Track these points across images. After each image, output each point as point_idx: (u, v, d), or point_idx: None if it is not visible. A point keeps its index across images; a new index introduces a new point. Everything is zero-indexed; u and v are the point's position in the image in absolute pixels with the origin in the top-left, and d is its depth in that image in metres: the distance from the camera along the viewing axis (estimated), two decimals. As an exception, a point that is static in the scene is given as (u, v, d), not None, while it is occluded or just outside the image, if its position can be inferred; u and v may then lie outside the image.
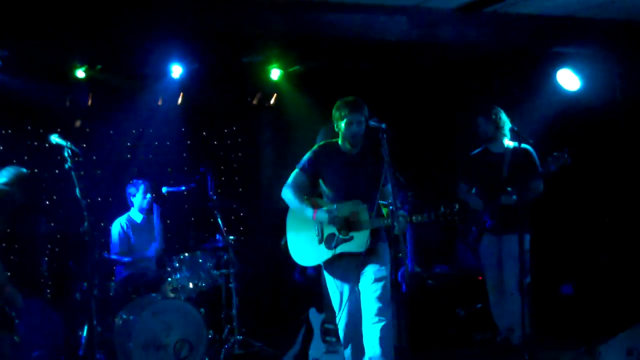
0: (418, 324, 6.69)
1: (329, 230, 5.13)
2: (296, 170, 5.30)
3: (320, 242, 5.18)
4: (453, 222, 4.99)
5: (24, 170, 5.35)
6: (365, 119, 5.06)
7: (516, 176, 6.16)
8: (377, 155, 5.00)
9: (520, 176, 6.12)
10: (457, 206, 4.92)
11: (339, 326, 5.27)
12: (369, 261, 5.10)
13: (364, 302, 5.10)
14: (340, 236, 5.08)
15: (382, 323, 4.99)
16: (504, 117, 6.43)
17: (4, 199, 4.87)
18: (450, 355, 6.69)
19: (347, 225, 5.07)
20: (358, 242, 5.05)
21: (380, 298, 5.03)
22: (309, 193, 5.31)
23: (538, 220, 6.44)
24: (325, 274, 5.29)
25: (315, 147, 5.34)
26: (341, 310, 5.20)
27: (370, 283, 5.07)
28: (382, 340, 4.98)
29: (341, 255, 5.12)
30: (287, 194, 5.26)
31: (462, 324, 7.30)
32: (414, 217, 5.06)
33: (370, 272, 5.09)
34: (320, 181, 5.28)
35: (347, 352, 5.25)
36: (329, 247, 5.14)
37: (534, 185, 6.25)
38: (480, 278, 7.09)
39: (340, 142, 5.23)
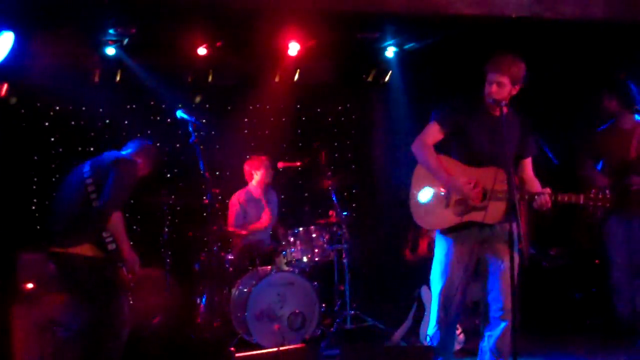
0: (531, 306, 6.59)
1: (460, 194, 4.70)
2: (433, 124, 4.81)
3: (446, 205, 4.75)
4: (604, 209, 4.66)
5: (149, 142, 5.55)
6: (514, 81, 4.64)
7: None
8: (523, 124, 4.68)
9: None
10: (609, 192, 4.53)
11: (433, 303, 4.92)
12: (498, 241, 4.74)
13: (488, 289, 4.82)
14: (473, 203, 4.67)
15: (505, 323, 4.74)
16: (633, 91, 6.15)
17: (131, 169, 5.10)
18: (563, 339, 6.57)
19: (483, 193, 4.65)
20: (492, 212, 4.63)
21: (506, 293, 4.67)
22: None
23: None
24: (439, 238, 4.92)
25: (455, 98, 4.86)
26: (444, 285, 4.83)
27: (499, 272, 4.75)
28: (502, 339, 4.77)
29: (468, 224, 4.72)
30: (420, 150, 4.79)
31: (576, 308, 7.14)
32: (559, 197, 4.56)
33: (501, 259, 4.74)
34: (455, 139, 4.82)
35: (436, 334, 4.88)
36: (456, 212, 4.73)
37: None
38: (597, 262, 6.91)
39: (484, 99, 4.75)
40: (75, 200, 4.98)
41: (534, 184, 4.84)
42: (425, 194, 4.88)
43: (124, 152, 5.33)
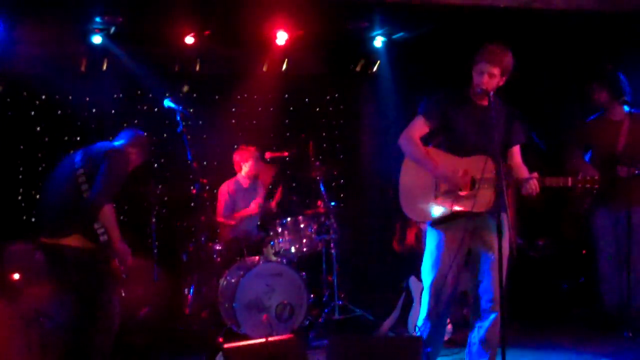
0: (519, 296, 6.61)
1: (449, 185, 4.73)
2: (418, 117, 4.85)
3: (436, 197, 4.78)
4: (592, 190, 4.66)
5: (141, 132, 5.48)
6: (503, 72, 4.69)
7: (634, 146, 5.93)
8: (509, 112, 4.68)
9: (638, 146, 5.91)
10: (596, 174, 4.58)
11: (424, 294, 4.92)
12: (488, 232, 4.73)
13: (478, 279, 4.83)
14: (461, 193, 4.69)
15: (495, 314, 4.76)
16: (623, 82, 6.16)
17: (123, 160, 5.05)
18: (550, 329, 6.60)
19: (471, 182, 4.67)
20: (480, 201, 4.62)
21: (496, 284, 4.66)
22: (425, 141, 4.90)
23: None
24: (429, 230, 4.93)
25: (439, 91, 4.89)
26: (436, 277, 4.83)
27: (489, 263, 4.75)
28: (492, 330, 4.80)
29: (457, 215, 4.73)
30: (406, 143, 4.84)
31: (563, 298, 7.17)
32: (547, 181, 4.59)
33: (491, 249, 4.72)
34: (442, 131, 4.83)
35: (426, 326, 4.92)
36: (445, 203, 4.74)
37: None
38: (584, 252, 6.93)
39: (470, 89, 4.80)
40: (66, 191, 4.92)
41: (522, 171, 4.86)
42: (414, 186, 4.89)
43: (116, 143, 5.28)
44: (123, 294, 5.90)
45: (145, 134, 5.49)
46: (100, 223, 4.84)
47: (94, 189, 4.84)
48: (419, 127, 4.86)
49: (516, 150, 4.93)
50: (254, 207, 7.19)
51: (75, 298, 4.94)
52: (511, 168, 4.82)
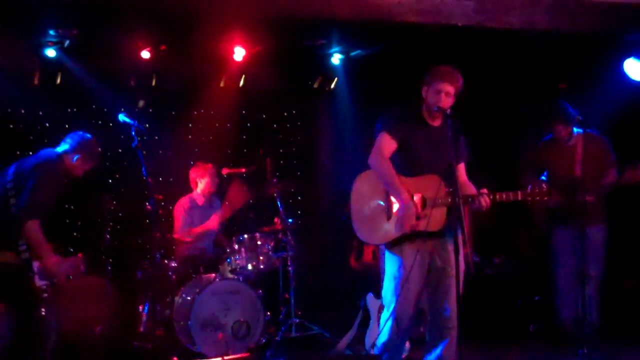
0: (474, 313, 6.62)
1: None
2: (383, 134, 4.79)
3: (388, 218, 4.76)
4: (542, 202, 4.69)
5: (88, 136, 5.28)
6: (457, 93, 4.73)
7: (590, 168, 6.01)
8: (454, 130, 4.66)
9: (595, 167, 5.99)
10: (545, 186, 4.60)
11: (385, 317, 4.86)
12: (445, 250, 4.74)
13: (436, 298, 4.83)
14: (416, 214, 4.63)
15: (452, 332, 4.76)
16: (568, 108, 6.24)
17: (51, 174, 4.90)
18: (505, 346, 6.63)
19: (422, 202, 4.68)
20: (434, 220, 4.63)
21: (454, 301, 4.64)
22: None
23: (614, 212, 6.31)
24: (388, 255, 4.88)
25: (397, 108, 4.88)
26: (399, 300, 4.79)
27: (446, 281, 4.73)
28: (448, 348, 4.79)
29: (413, 236, 4.70)
30: (379, 164, 4.76)
31: (519, 315, 7.21)
32: (497, 196, 4.60)
33: (449, 267, 4.69)
34: (397, 149, 4.80)
35: (386, 346, 4.87)
36: (399, 224, 4.69)
37: (609, 174, 6.09)
38: (542, 269, 6.98)
39: (423, 109, 4.84)
40: None
41: (469, 188, 4.87)
42: (366, 209, 4.87)
43: (59, 149, 5.13)
44: (43, 313, 5.73)
45: (92, 137, 5.30)
46: (24, 239, 4.70)
47: (19, 204, 4.73)
48: (387, 144, 4.80)
49: (462, 167, 4.95)
50: (214, 220, 7.08)
51: (14, 314, 4.82)
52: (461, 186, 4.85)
